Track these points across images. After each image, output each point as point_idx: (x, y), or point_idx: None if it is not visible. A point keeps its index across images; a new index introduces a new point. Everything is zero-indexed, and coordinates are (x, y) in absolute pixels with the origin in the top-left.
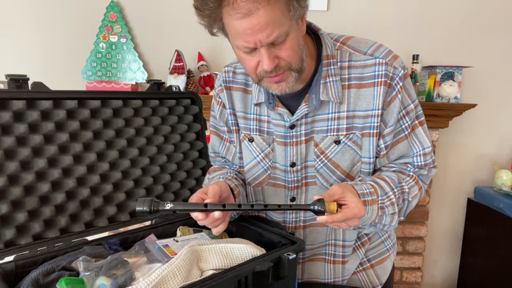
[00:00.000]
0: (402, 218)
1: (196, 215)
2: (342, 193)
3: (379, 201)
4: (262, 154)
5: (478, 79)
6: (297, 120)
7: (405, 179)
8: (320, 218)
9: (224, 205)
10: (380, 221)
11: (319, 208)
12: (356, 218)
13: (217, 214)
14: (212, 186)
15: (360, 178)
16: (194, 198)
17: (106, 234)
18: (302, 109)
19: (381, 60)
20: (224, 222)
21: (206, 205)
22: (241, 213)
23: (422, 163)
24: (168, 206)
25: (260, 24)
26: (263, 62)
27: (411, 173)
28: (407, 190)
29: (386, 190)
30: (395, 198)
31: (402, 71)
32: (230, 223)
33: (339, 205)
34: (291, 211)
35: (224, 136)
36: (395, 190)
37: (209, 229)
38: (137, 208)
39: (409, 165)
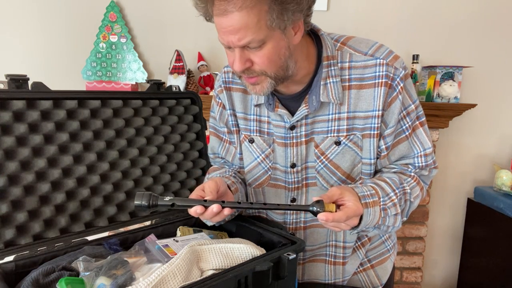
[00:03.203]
0: (405, 218)
1: (195, 210)
2: (340, 194)
3: (381, 203)
4: (262, 155)
5: (478, 79)
6: (297, 121)
7: (406, 179)
8: (321, 216)
9: (223, 202)
10: (383, 223)
11: (318, 209)
12: (355, 216)
13: (215, 208)
14: (208, 183)
15: (360, 181)
16: (193, 196)
17: (106, 234)
18: (302, 110)
19: (381, 60)
20: (219, 215)
21: (205, 201)
22: (240, 212)
23: (423, 164)
24: (167, 201)
25: (233, 27)
26: (234, 62)
27: (412, 174)
28: (408, 190)
29: (388, 191)
30: (397, 199)
31: (403, 71)
32: (230, 223)
33: (338, 206)
34: (292, 212)
35: (224, 137)
36: (397, 191)
37: (209, 229)
38: (135, 202)
39: (410, 166)
